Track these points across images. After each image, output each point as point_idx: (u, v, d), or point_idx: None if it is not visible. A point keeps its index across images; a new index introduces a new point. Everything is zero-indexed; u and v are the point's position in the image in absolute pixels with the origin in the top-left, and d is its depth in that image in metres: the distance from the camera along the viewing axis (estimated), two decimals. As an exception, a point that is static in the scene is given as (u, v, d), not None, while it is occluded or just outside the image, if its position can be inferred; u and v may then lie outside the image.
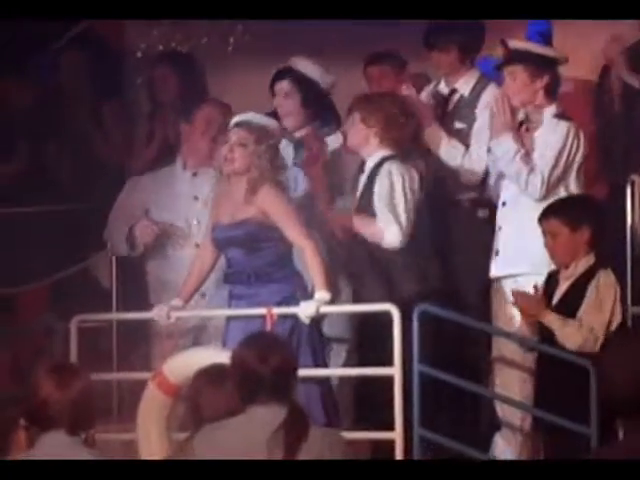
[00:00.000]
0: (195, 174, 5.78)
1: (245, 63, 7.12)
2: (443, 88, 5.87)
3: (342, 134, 5.60)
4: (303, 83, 5.73)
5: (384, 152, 5.32)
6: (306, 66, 5.86)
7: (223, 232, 5.11)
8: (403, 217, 5.19)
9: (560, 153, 5.26)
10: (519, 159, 5.23)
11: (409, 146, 5.41)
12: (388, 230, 5.16)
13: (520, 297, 4.81)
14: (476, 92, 5.75)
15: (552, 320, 4.68)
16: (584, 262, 4.90)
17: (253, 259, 5.10)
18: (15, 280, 5.90)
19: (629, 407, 2.68)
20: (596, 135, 5.82)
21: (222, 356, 4.38)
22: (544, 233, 4.93)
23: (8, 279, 5.84)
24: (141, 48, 7.15)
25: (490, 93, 5.63)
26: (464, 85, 5.75)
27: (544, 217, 4.93)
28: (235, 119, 5.29)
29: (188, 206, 5.76)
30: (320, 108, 5.90)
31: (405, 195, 5.22)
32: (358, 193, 5.36)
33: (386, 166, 5.24)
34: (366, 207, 5.34)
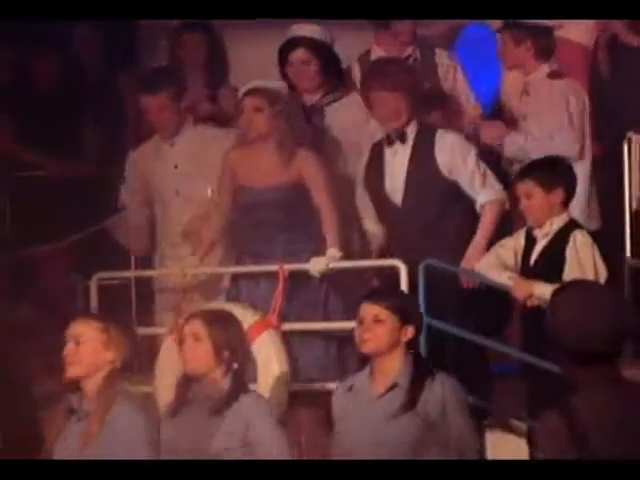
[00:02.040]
0: (172, 144, 5.92)
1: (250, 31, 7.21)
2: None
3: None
4: (318, 48, 5.94)
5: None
6: (313, 31, 6.04)
7: (255, 196, 5.38)
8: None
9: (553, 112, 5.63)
10: (515, 137, 5.75)
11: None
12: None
13: (516, 283, 5.05)
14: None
15: (542, 289, 4.91)
16: (558, 221, 5.09)
17: (290, 219, 5.43)
18: (38, 241, 6.16)
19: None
20: (591, 94, 6.14)
21: (236, 310, 4.83)
22: (518, 194, 5.14)
23: (31, 240, 6.08)
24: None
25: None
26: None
27: (518, 179, 5.15)
28: (244, 88, 5.56)
29: (172, 175, 5.93)
30: (333, 71, 6.09)
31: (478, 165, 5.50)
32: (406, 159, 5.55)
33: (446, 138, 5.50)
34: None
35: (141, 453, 4.01)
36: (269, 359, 5.20)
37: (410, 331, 4.42)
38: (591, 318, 2.86)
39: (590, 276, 4.88)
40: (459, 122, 6.15)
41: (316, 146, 5.75)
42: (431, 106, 5.99)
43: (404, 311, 4.45)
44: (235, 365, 4.31)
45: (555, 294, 2.96)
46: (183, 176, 5.93)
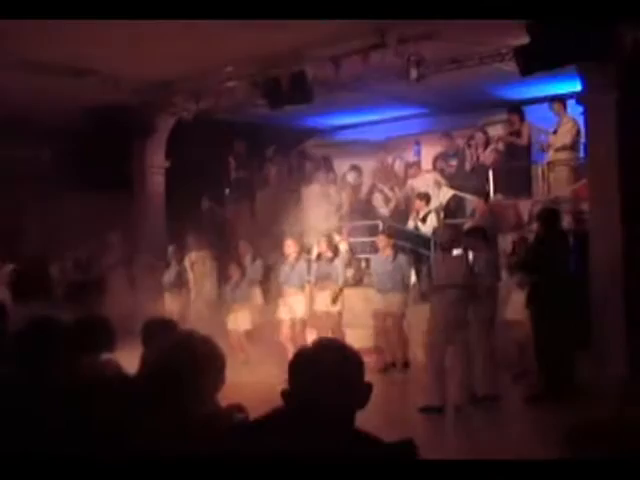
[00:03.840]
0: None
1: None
2: None
3: None
4: None
5: None
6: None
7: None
8: None
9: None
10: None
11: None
12: None
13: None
14: None
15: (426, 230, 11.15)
16: (425, 210, 10.22)
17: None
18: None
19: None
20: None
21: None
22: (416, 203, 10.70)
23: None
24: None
25: None
26: None
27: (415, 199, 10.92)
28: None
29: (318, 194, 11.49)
30: None
31: None
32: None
33: None
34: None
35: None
36: (344, 248, 10.11)
37: (393, 242, 8.95)
38: (446, 232, 7.60)
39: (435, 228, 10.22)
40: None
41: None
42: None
43: (390, 235, 9.12)
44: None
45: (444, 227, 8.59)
46: (320, 193, 11.36)
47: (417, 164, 11.62)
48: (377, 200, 11.42)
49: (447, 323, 6.80)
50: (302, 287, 9.04)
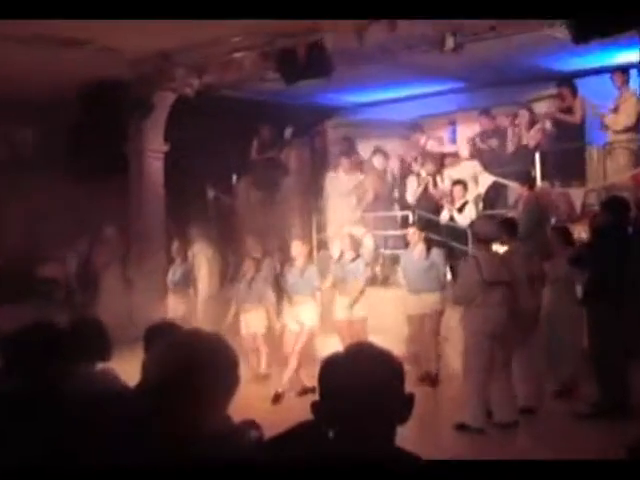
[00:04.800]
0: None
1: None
2: None
3: None
4: None
5: None
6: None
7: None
8: None
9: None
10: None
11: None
12: None
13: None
14: None
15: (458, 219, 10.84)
16: (463, 200, 10.32)
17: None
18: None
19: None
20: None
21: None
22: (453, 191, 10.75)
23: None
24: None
25: None
26: None
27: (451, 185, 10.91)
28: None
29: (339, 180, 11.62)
30: None
31: None
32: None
33: None
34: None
35: None
36: (368, 243, 10.62)
37: (424, 235, 8.90)
38: (486, 224, 7.60)
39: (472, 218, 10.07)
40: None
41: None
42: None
43: (422, 228, 9.12)
44: None
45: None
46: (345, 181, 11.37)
47: (454, 154, 11.47)
48: (412, 184, 11.24)
49: (493, 328, 6.71)
50: (313, 295, 8.72)
